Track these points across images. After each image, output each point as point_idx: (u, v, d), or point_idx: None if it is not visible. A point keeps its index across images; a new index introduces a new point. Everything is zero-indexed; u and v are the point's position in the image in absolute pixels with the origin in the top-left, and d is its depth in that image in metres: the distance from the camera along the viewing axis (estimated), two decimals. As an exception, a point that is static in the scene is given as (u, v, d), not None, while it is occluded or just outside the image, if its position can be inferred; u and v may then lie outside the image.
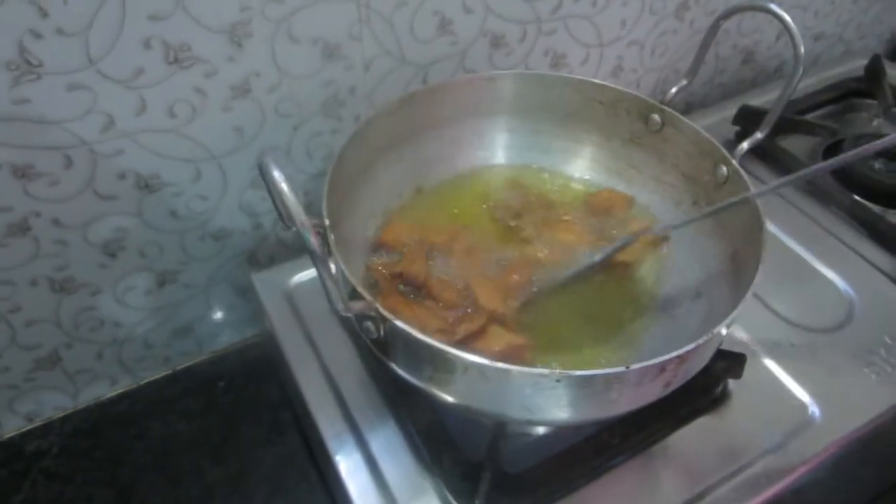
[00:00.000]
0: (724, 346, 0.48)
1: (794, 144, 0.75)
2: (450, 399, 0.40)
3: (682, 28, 0.77)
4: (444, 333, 0.45)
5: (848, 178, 0.71)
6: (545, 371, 0.35)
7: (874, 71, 0.84)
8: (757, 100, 0.80)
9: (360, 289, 0.38)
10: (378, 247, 0.53)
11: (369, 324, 0.38)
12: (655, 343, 0.49)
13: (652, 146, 0.57)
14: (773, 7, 0.49)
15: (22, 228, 0.52)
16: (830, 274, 0.62)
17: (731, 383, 0.53)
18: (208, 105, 0.54)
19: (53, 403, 0.63)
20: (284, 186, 0.34)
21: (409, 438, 0.50)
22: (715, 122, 0.78)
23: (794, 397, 0.53)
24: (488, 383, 0.37)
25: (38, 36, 0.45)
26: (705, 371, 0.43)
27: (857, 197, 0.70)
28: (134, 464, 0.60)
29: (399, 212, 0.56)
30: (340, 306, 0.36)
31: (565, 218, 0.58)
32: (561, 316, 0.51)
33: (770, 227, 0.63)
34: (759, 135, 0.51)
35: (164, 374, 0.67)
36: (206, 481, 0.59)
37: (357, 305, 0.37)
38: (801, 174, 0.46)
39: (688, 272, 0.53)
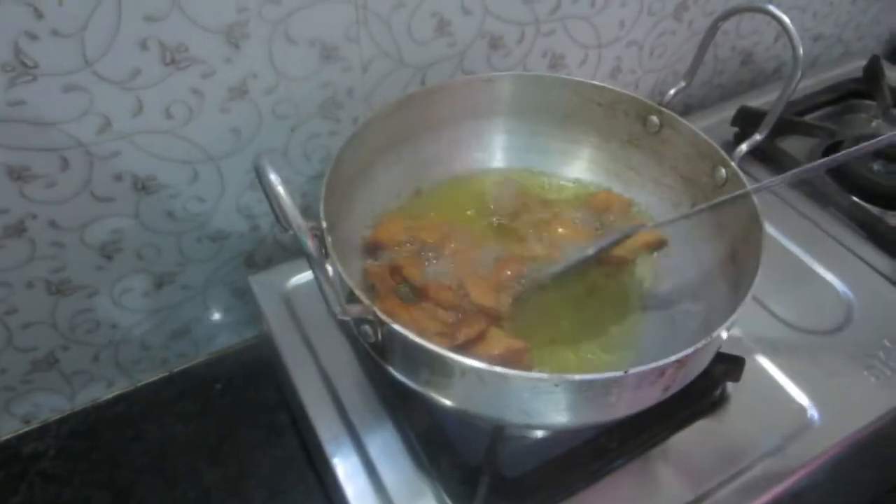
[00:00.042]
0: (723, 349, 0.48)
1: (793, 146, 0.75)
2: (448, 403, 0.40)
3: (680, 29, 0.77)
4: (444, 336, 0.45)
5: (847, 179, 0.71)
6: (544, 376, 0.35)
7: (873, 72, 0.84)
8: (755, 101, 0.80)
9: (357, 292, 0.38)
10: (372, 247, 0.53)
11: (367, 327, 0.38)
12: (654, 345, 0.49)
13: (650, 148, 0.57)
14: (772, 9, 0.49)
15: (18, 230, 0.52)
16: (829, 276, 0.62)
17: (730, 386, 0.53)
18: (205, 106, 0.53)
19: (50, 405, 0.63)
20: (281, 190, 0.34)
21: (407, 442, 0.50)
22: (713, 123, 0.78)
23: (793, 400, 0.53)
24: (486, 387, 0.37)
25: (33, 37, 0.45)
26: (704, 374, 0.43)
27: (855, 198, 0.70)
28: (131, 466, 0.59)
29: (397, 213, 0.56)
30: (338, 310, 0.36)
31: (563, 218, 0.57)
32: (560, 316, 0.51)
33: (769, 228, 0.63)
34: (757, 137, 0.51)
35: (161, 375, 0.67)
36: (203, 483, 0.58)
37: (355, 309, 0.37)
38: (797, 171, 0.46)
39: (687, 274, 0.53)
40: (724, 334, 0.39)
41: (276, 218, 0.36)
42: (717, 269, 0.51)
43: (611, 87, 0.57)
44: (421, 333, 0.43)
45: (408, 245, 0.52)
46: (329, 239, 0.42)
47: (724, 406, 0.52)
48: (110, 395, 0.65)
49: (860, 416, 0.51)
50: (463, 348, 0.45)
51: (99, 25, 0.46)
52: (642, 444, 0.49)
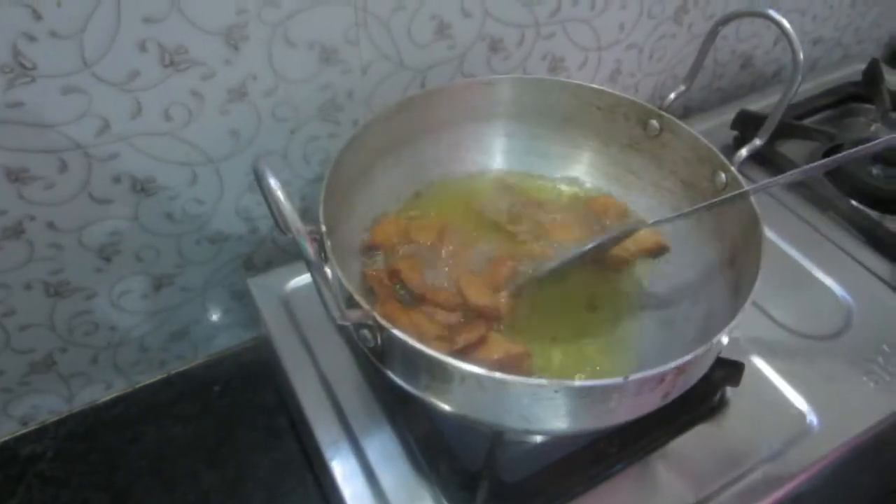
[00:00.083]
0: (722, 353, 0.48)
1: (793, 149, 0.75)
2: (447, 408, 0.40)
3: (680, 32, 0.77)
4: (443, 341, 0.45)
5: (846, 183, 0.71)
6: (543, 382, 0.35)
7: (872, 76, 0.84)
8: (755, 104, 0.80)
9: (357, 297, 0.38)
10: (370, 249, 0.53)
11: (366, 332, 0.38)
12: (654, 349, 0.49)
13: (650, 152, 0.57)
14: (772, 13, 0.49)
15: (16, 232, 0.51)
16: (828, 280, 0.62)
17: (729, 391, 0.53)
18: (205, 108, 0.53)
19: (48, 407, 0.63)
20: (280, 194, 0.34)
21: (406, 446, 0.50)
22: (713, 126, 0.78)
23: (792, 405, 0.52)
24: (486, 393, 0.37)
25: (31, 39, 0.44)
26: (703, 379, 0.43)
27: (854, 202, 0.70)
28: (129, 468, 0.59)
29: (394, 216, 0.56)
30: (337, 315, 0.36)
31: (561, 221, 0.57)
32: (559, 318, 0.51)
33: (768, 232, 0.63)
34: (757, 141, 0.51)
35: (159, 377, 0.67)
36: (202, 486, 0.58)
37: (354, 314, 0.37)
38: (796, 172, 0.46)
39: (686, 277, 0.53)
40: (725, 339, 0.39)
41: (275, 221, 0.36)
42: (716, 273, 0.51)
43: (610, 90, 0.57)
44: (420, 337, 0.43)
45: (405, 247, 0.51)
46: (328, 243, 0.42)
47: (724, 411, 0.52)
48: (108, 397, 0.65)
49: (859, 421, 0.51)
50: (462, 353, 0.45)
51: (98, 27, 0.46)
52: (642, 449, 0.49)
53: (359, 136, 0.51)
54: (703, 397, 0.51)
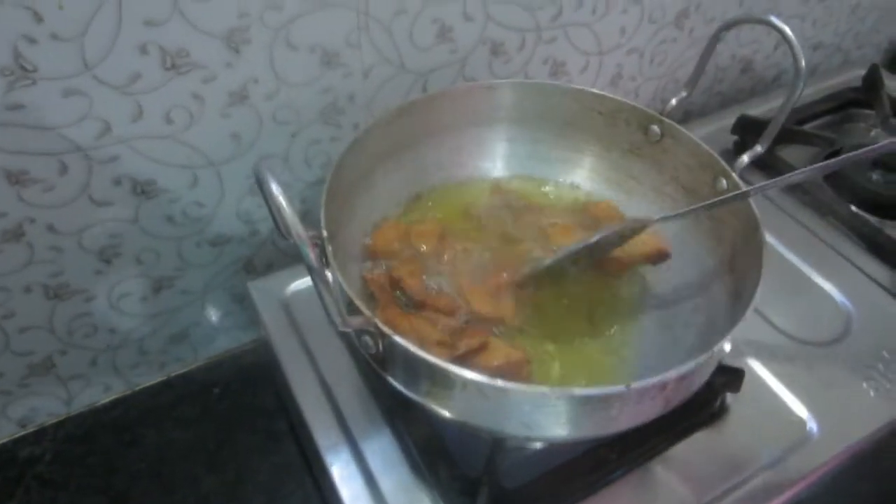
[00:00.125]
0: (723, 359, 0.48)
1: (793, 155, 0.75)
2: (448, 415, 0.40)
3: (681, 37, 0.77)
4: (444, 346, 0.45)
5: (845, 189, 0.71)
6: (545, 390, 0.35)
7: (872, 81, 0.84)
8: (755, 109, 0.80)
9: (358, 303, 0.38)
10: (370, 254, 0.53)
11: (368, 338, 0.38)
12: (655, 356, 0.49)
13: (651, 157, 0.57)
14: (775, 20, 0.49)
15: (16, 234, 0.51)
16: (828, 286, 0.62)
17: (729, 397, 0.53)
18: (206, 111, 0.53)
19: (47, 409, 0.63)
20: (282, 200, 0.34)
21: (406, 451, 0.50)
22: (713, 130, 0.78)
23: (792, 412, 0.52)
24: (487, 400, 0.37)
25: (32, 41, 0.44)
26: (704, 385, 0.43)
27: (854, 208, 0.70)
28: (128, 471, 0.59)
29: (394, 221, 0.56)
30: (339, 322, 0.36)
31: (562, 226, 0.57)
32: (560, 325, 0.51)
33: (767, 237, 0.63)
34: (759, 148, 0.51)
35: (158, 380, 0.66)
36: (201, 490, 0.58)
37: (356, 321, 0.37)
38: (795, 174, 0.46)
39: (687, 282, 0.53)
40: (727, 347, 0.39)
41: (277, 226, 0.36)
42: (716, 279, 0.51)
43: (612, 95, 0.57)
44: (421, 343, 0.43)
45: (405, 252, 0.51)
46: (329, 248, 0.42)
47: (724, 417, 0.52)
48: (107, 400, 0.65)
49: (859, 428, 0.51)
50: (463, 358, 0.45)
51: (99, 30, 0.46)
52: (642, 455, 0.49)
53: (360, 140, 0.51)
54: (704, 403, 0.51)
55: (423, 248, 0.52)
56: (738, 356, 0.56)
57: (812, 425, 0.51)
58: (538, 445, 0.49)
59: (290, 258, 0.66)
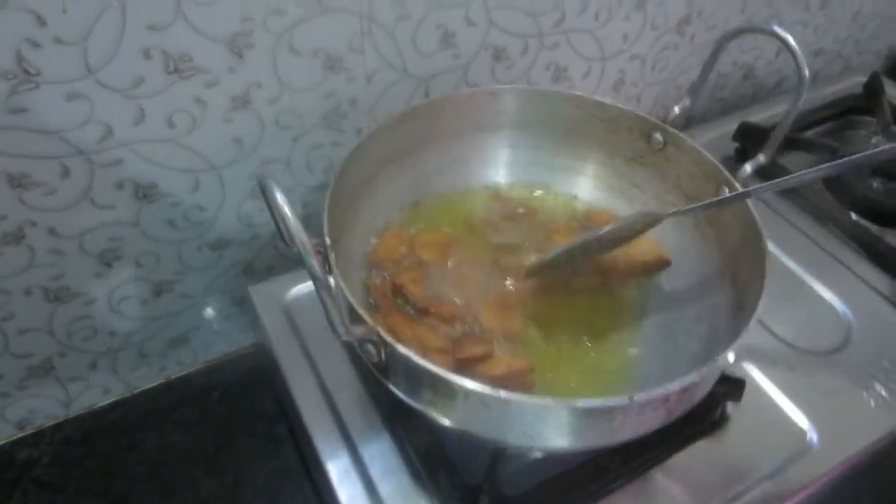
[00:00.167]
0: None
1: (794, 162, 0.75)
2: (450, 424, 0.40)
3: (683, 43, 0.77)
4: (446, 354, 0.45)
5: (846, 196, 0.71)
6: (548, 401, 0.35)
7: (873, 88, 0.84)
8: (756, 116, 0.80)
9: (361, 312, 0.38)
10: (372, 263, 0.53)
11: (370, 347, 0.38)
12: (657, 366, 0.49)
13: (654, 165, 0.57)
14: (778, 30, 0.49)
15: (17, 237, 0.51)
16: (828, 295, 0.62)
17: (730, 405, 0.53)
18: (208, 115, 0.53)
19: (45, 411, 0.63)
20: (287, 210, 0.34)
21: (406, 457, 0.50)
22: (715, 137, 0.78)
23: (793, 422, 0.53)
24: (489, 411, 0.37)
25: (36, 45, 0.44)
26: (705, 394, 0.43)
27: (855, 216, 0.70)
28: (127, 474, 0.59)
29: (398, 227, 0.56)
30: (342, 332, 0.36)
31: (563, 233, 0.57)
32: (563, 335, 0.51)
33: (768, 245, 0.63)
34: (762, 158, 0.51)
35: (158, 383, 0.66)
36: (200, 494, 0.58)
37: (359, 330, 0.37)
38: (794, 177, 0.46)
39: (688, 293, 0.53)
40: (731, 357, 0.39)
41: (280, 234, 0.36)
42: (718, 289, 0.50)
43: (614, 103, 0.57)
44: (423, 350, 0.43)
45: (408, 261, 0.51)
46: (332, 255, 0.42)
47: (724, 426, 0.52)
48: (106, 402, 0.64)
49: (859, 438, 0.51)
50: (465, 366, 0.45)
51: (102, 34, 0.46)
52: (642, 464, 0.49)
53: (363, 145, 0.51)
54: (705, 412, 0.51)
55: (427, 257, 0.52)
56: (739, 364, 0.56)
57: (812, 435, 0.51)
58: (539, 453, 0.49)
59: (291, 262, 0.66)
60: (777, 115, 0.81)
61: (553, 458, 0.48)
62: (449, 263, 0.52)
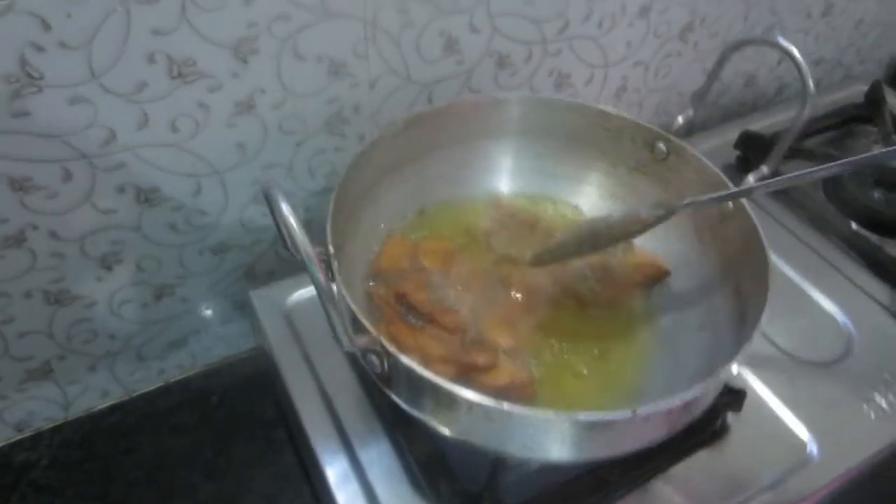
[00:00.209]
0: (725, 379, 0.48)
1: (795, 170, 0.75)
2: (452, 434, 0.40)
3: (685, 50, 0.77)
4: (447, 362, 0.45)
5: (847, 206, 0.72)
6: (550, 414, 0.35)
7: (874, 97, 0.85)
8: (757, 123, 0.80)
9: (364, 322, 0.38)
10: (375, 272, 0.53)
11: (374, 358, 0.38)
12: (660, 377, 0.49)
13: (657, 175, 0.57)
14: (782, 42, 0.49)
15: (18, 241, 0.51)
16: (829, 305, 0.62)
17: (730, 416, 0.53)
18: (211, 120, 0.53)
19: (44, 414, 0.62)
20: (293, 220, 0.34)
21: (406, 465, 0.50)
22: (716, 145, 0.78)
23: (793, 433, 0.53)
24: (492, 423, 0.37)
25: (40, 49, 0.44)
26: (706, 405, 0.43)
27: (855, 226, 0.70)
28: (125, 478, 0.59)
29: (401, 235, 0.56)
30: (346, 342, 0.36)
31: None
32: (566, 347, 0.51)
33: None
34: (765, 169, 0.51)
35: (157, 386, 0.66)
36: (199, 498, 0.58)
37: (362, 340, 0.37)
38: (787, 178, 0.47)
39: (690, 305, 0.53)
40: (735, 370, 0.39)
41: (284, 243, 0.36)
42: (721, 300, 0.51)
43: (618, 112, 0.57)
44: (425, 357, 0.43)
45: (411, 270, 0.51)
46: (335, 263, 0.42)
47: (725, 436, 0.52)
48: (105, 405, 0.64)
49: (859, 450, 0.51)
50: (467, 376, 0.45)
51: (107, 38, 0.46)
52: (643, 475, 0.49)
53: (366, 152, 0.51)
54: (705, 423, 0.51)
55: (430, 265, 0.51)
56: (739, 374, 0.56)
57: (812, 447, 0.51)
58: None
59: (292, 266, 0.65)
60: (778, 123, 0.81)
61: (554, 468, 0.48)
62: (452, 273, 0.52)
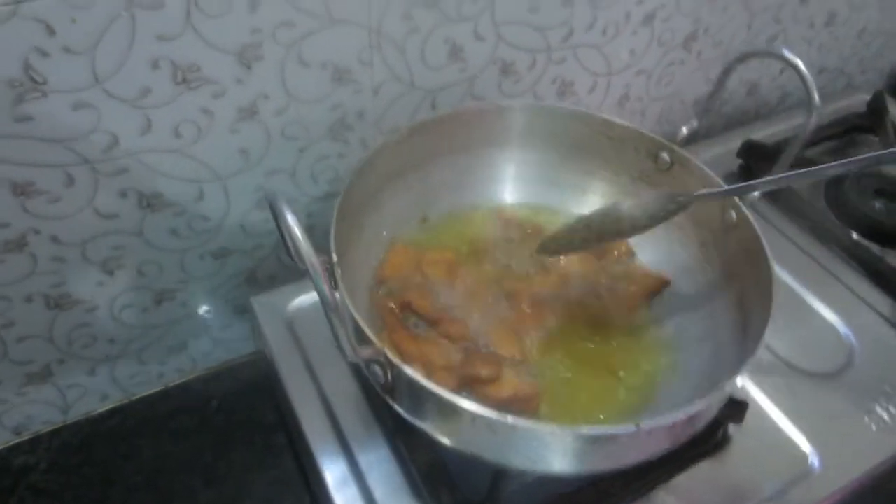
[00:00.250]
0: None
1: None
2: (455, 445, 0.40)
3: (689, 59, 0.77)
4: (450, 371, 0.45)
5: (848, 216, 0.72)
6: (554, 428, 0.35)
7: (877, 107, 0.85)
8: (760, 132, 0.80)
9: (368, 332, 0.38)
10: (379, 280, 0.53)
11: (377, 368, 0.38)
12: (663, 390, 0.49)
13: (661, 185, 0.56)
14: (787, 54, 0.49)
15: (19, 245, 0.51)
16: (830, 316, 0.62)
17: (731, 426, 0.53)
18: (215, 126, 0.53)
19: (43, 417, 0.62)
20: (298, 231, 0.34)
21: (407, 472, 0.50)
22: (719, 154, 0.78)
23: (794, 444, 0.52)
24: (495, 435, 0.37)
25: (44, 54, 0.44)
26: (708, 417, 0.43)
27: (856, 236, 0.70)
28: (124, 483, 0.59)
29: (404, 243, 0.56)
30: (350, 353, 0.35)
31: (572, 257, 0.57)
32: (569, 360, 0.51)
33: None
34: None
35: (156, 390, 0.66)
36: (198, 502, 0.58)
37: (366, 352, 0.37)
38: (784, 177, 0.46)
39: (693, 316, 0.53)
40: (739, 382, 0.39)
41: (287, 252, 0.36)
42: (724, 312, 0.51)
43: (622, 121, 0.57)
44: (428, 366, 0.43)
45: (415, 279, 0.51)
46: (339, 272, 0.42)
47: (726, 447, 0.52)
48: (104, 409, 0.64)
49: (861, 462, 0.51)
50: (471, 387, 0.45)
51: (111, 44, 0.45)
52: (645, 485, 0.49)
53: (370, 159, 0.51)
54: (707, 434, 0.51)
55: (434, 275, 0.51)
56: (741, 384, 0.56)
57: (814, 459, 0.51)
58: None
59: (293, 272, 0.65)
60: (780, 132, 0.81)
61: (556, 479, 0.48)
62: (456, 282, 0.52)
